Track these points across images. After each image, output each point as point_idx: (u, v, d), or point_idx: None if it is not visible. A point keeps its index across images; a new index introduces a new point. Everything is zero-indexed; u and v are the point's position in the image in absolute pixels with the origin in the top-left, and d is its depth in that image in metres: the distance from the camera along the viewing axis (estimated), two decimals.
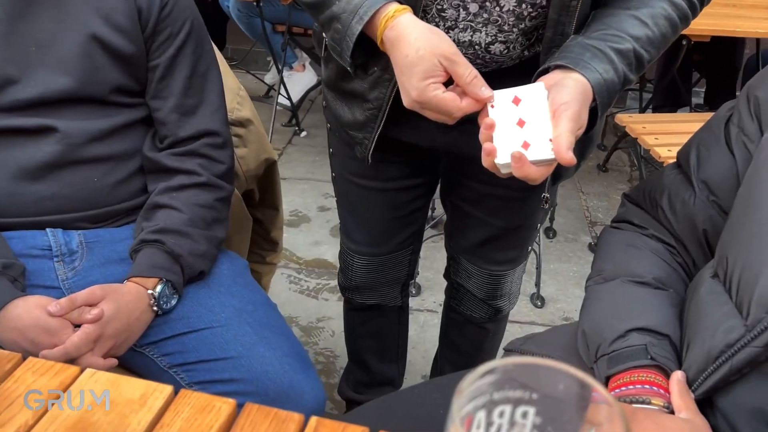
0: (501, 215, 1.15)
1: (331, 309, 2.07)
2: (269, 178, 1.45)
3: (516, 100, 0.79)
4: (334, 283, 2.18)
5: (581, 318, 0.89)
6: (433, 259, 2.26)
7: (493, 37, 0.89)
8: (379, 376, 1.45)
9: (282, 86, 2.99)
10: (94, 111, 1.04)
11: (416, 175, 1.16)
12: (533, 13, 0.87)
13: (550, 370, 0.32)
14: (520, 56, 0.93)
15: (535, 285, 2.17)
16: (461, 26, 0.89)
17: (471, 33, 0.89)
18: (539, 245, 2.16)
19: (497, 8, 0.86)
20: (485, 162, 0.79)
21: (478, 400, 0.32)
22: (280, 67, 2.95)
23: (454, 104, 0.79)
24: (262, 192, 1.46)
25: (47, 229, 1.02)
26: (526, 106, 0.79)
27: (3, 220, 1.00)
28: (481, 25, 0.88)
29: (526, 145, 0.77)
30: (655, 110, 2.88)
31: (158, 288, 0.97)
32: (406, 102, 0.82)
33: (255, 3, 2.53)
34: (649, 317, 0.81)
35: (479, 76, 0.79)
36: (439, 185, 1.24)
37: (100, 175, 1.05)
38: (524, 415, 0.34)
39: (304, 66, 3.26)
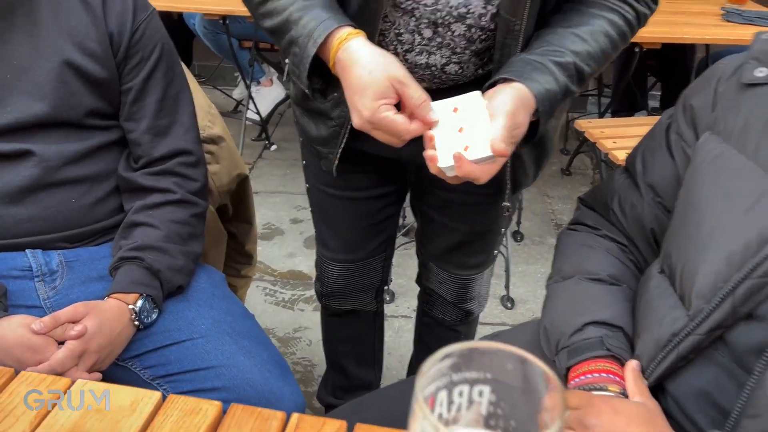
0: (466, 221, 1.21)
1: (308, 319, 2.11)
2: (242, 192, 1.49)
3: (455, 110, 0.85)
4: (309, 293, 2.22)
5: (543, 315, 0.95)
6: (405, 266, 2.31)
7: (447, 59, 0.95)
8: (357, 380, 1.50)
9: (251, 101, 3.02)
10: (70, 134, 1.07)
11: (385, 184, 1.22)
12: (482, 36, 0.93)
13: (499, 352, 0.38)
14: (474, 74, 0.99)
15: (505, 287, 2.24)
16: (417, 50, 0.95)
17: (427, 56, 0.95)
18: (507, 248, 2.23)
19: (449, 33, 0.92)
20: (432, 169, 0.85)
21: (440, 382, 0.38)
22: (248, 82, 2.98)
23: (404, 126, 0.83)
24: (236, 206, 1.50)
25: (27, 250, 1.05)
26: (465, 113, 0.85)
27: None
28: (435, 48, 0.94)
29: (466, 148, 0.83)
30: (614, 115, 2.99)
31: (138, 303, 1.00)
32: (356, 122, 0.85)
33: (222, 20, 2.57)
34: (604, 311, 0.88)
35: (428, 101, 0.84)
36: (408, 194, 1.30)
37: (77, 197, 1.08)
38: (480, 393, 0.39)
39: (271, 81, 3.30)
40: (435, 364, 0.36)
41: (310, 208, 1.30)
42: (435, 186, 1.18)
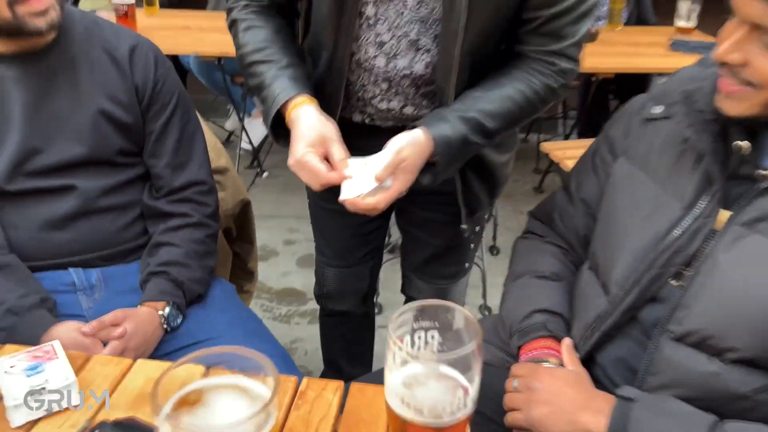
0: (439, 236, 1.42)
1: (303, 331, 2.30)
2: (245, 216, 1.70)
3: (365, 164, 1.07)
4: (304, 308, 2.42)
5: (500, 308, 1.17)
6: (393, 281, 2.51)
7: (404, 103, 1.18)
8: (351, 378, 1.69)
9: (244, 132, 3.24)
10: (104, 170, 1.28)
11: None
12: (428, 85, 1.15)
13: (441, 307, 0.59)
14: (428, 111, 1.20)
15: (482, 297, 2.46)
16: (378, 98, 1.18)
17: (387, 102, 1.18)
18: (483, 261, 2.45)
19: (400, 86, 1.15)
20: (348, 206, 1.06)
21: (404, 328, 0.59)
22: (241, 115, 3.20)
23: (323, 173, 1.05)
24: (239, 228, 1.71)
25: (70, 269, 1.25)
26: (372, 166, 1.06)
27: (34, 263, 1.22)
28: (392, 95, 1.17)
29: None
30: (580, 136, 3.24)
31: (166, 309, 1.20)
32: (289, 162, 1.08)
33: (217, 60, 2.80)
34: (547, 302, 1.09)
35: (346, 159, 1.06)
36: (393, 213, 1.51)
37: (110, 222, 1.29)
38: (432, 337, 0.60)
39: (261, 112, 3.51)
40: (401, 315, 0.58)
41: (310, 220, 1.51)
42: (414, 206, 1.40)
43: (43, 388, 0.79)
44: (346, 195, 1.05)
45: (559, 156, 2.38)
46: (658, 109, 1.02)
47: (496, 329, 1.17)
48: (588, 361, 1.02)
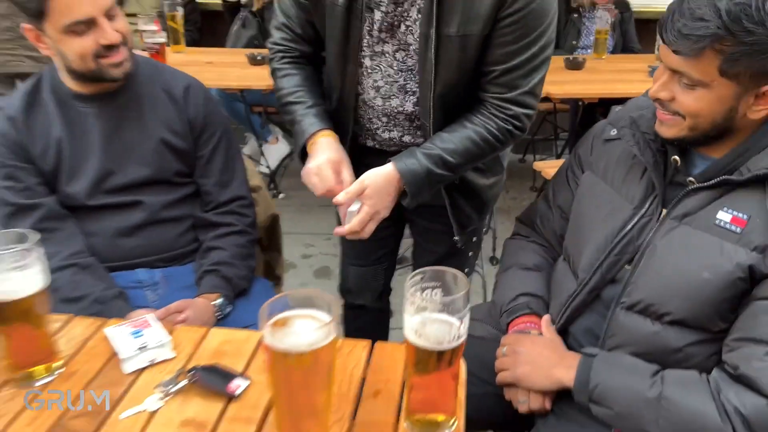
0: (440, 244, 1.67)
1: None
2: (274, 228, 1.96)
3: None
4: None
5: (493, 294, 1.42)
6: (401, 288, 2.77)
7: (402, 133, 1.44)
8: None
9: (262, 156, 3.52)
10: (164, 188, 1.54)
11: None
12: (420, 121, 1.41)
13: (442, 271, 0.85)
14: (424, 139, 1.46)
15: (483, 301, 2.71)
16: (381, 129, 1.45)
17: (388, 132, 1.45)
18: (482, 269, 2.70)
19: (397, 119, 1.42)
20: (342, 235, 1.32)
21: (417, 286, 0.85)
22: (259, 142, 3.49)
23: (330, 181, 1.29)
24: (269, 239, 1.96)
25: (137, 269, 1.51)
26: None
27: (109, 264, 1.48)
28: (392, 126, 1.44)
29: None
30: None
31: (218, 301, 1.46)
32: (307, 166, 1.33)
33: (240, 92, 3.09)
34: (530, 287, 1.35)
35: (350, 181, 1.30)
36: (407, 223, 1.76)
37: (169, 231, 1.55)
38: (435, 294, 0.86)
39: (277, 138, 3.81)
40: (414, 277, 0.84)
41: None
42: (419, 218, 1.66)
43: (145, 346, 1.05)
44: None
45: (550, 173, 2.64)
46: (613, 132, 1.29)
47: (489, 312, 1.44)
48: (562, 332, 1.28)
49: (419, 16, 1.26)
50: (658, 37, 1.08)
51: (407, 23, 1.29)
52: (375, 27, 1.31)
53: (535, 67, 1.27)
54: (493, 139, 1.32)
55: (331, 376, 0.83)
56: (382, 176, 1.30)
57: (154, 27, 2.90)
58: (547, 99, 3.24)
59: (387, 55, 1.35)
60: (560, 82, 2.91)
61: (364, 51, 1.35)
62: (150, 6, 3.45)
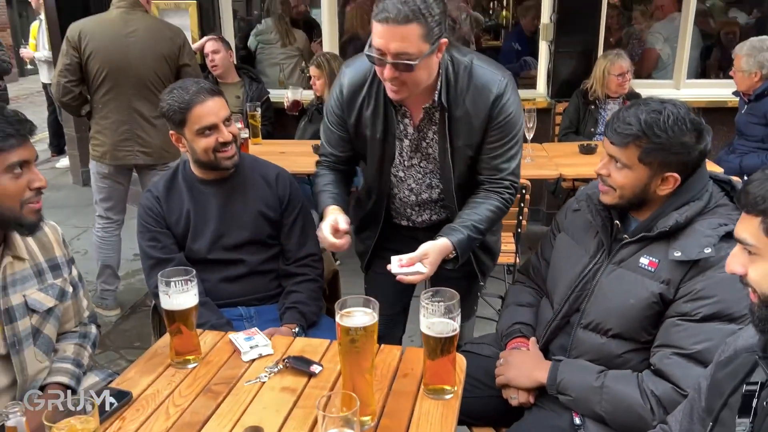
0: (456, 289, 2.17)
1: None
2: (334, 281, 2.52)
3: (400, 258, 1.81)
4: None
5: (497, 324, 1.93)
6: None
7: (430, 215, 2.00)
8: None
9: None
10: (260, 248, 2.13)
11: None
12: (443, 203, 1.97)
13: (444, 290, 1.38)
14: (446, 219, 1.99)
15: None
16: (414, 214, 2.00)
17: (419, 216, 2.00)
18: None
19: (427, 204, 1.97)
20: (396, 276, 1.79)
21: (429, 299, 1.38)
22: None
23: (328, 239, 1.75)
24: (331, 290, 2.52)
25: (238, 307, 2.08)
26: (405, 258, 1.77)
27: (218, 302, 2.06)
28: (423, 211, 1.99)
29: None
30: None
31: (296, 329, 2.00)
32: (319, 226, 1.85)
33: (307, 176, 3.74)
34: (522, 318, 1.85)
35: (347, 227, 1.76)
36: None
37: (261, 279, 2.12)
38: (440, 305, 1.39)
39: None
40: (426, 293, 1.37)
41: (365, 286, 2.29)
42: (440, 269, 2.18)
43: (256, 345, 1.60)
44: (393, 269, 1.79)
45: None
46: (576, 205, 1.81)
47: (495, 339, 1.93)
48: (545, 350, 1.76)
49: (435, 135, 1.84)
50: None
51: (427, 141, 1.87)
52: (405, 151, 1.89)
53: (511, 157, 1.84)
54: (500, 204, 1.87)
55: (373, 348, 1.35)
56: (439, 247, 1.76)
57: (239, 125, 3.61)
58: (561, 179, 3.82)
59: (415, 166, 1.92)
60: (574, 165, 3.44)
61: (398, 167, 1.93)
62: (233, 105, 4.20)
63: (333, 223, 1.78)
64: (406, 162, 1.91)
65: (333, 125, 1.94)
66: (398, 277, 1.72)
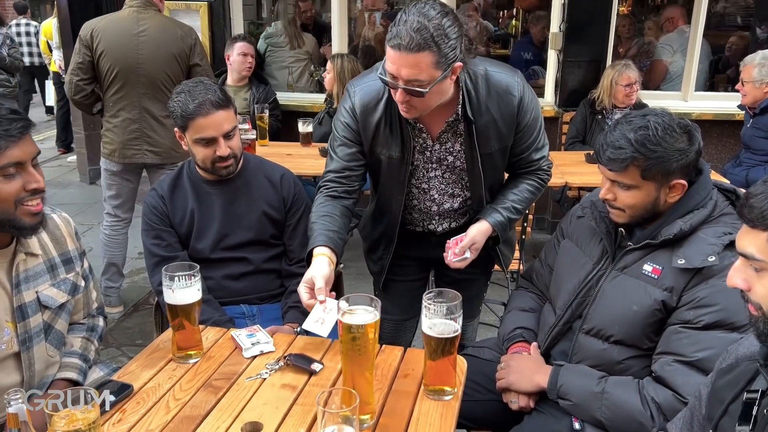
0: (465, 291, 2.17)
1: None
2: (338, 283, 2.51)
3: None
4: None
5: (499, 328, 1.92)
6: None
7: (449, 223, 2.02)
8: None
9: None
10: (263, 248, 2.14)
11: (417, 277, 2.22)
12: (463, 209, 1.99)
13: (446, 292, 1.38)
14: (462, 226, 2.01)
15: None
16: (435, 224, 2.02)
17: (439, 225, 2.02)
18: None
19: (448, 213, 2.00)
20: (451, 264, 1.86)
21: (432, 300, 1.38)
22: None
23: (304, 299, 1.63)
24: (335, 290, 2.51)
25: (241, 304, 2.09)
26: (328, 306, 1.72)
27: (221, 300, 2.07)
28: (443, 220, 2.01)
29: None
30: None
31: (297, 328, 2.00)
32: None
33: (312, 178, 3.75)
34: (524, 323, 1.85)
35: (321, 289, 1.62)
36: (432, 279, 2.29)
37: (264, 278, 2.13)
38: (442, 306, 1.40)
39: None
40: (428, 294, 1.38)
41: (374, 292, 2.28)
42: (446, 270, 2.18)
43: (258, 342, 1.60)
44: (451, 263, 1.86)
45: None
46: (580, 212, 1.81)
47: (496, 343, 1.93)
48: (546, 355, 1.76)
49: (462, 147, 1.85)
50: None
51: (453, 153, 1.88)
52: (426, 163, 1.90)
53: (542, 145, 1.92)
54: (538, 184, 1.98)
55: (374, 347, 1.35)
56: (483, 230, 1.88)
57: (247, 126, 3.63)
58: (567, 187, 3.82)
59: (438, 177, 1.94)
60: (580, 174, 3.45)
61: (421, 179, 1.94)
62: (241, 106, 4.22)
63: (308, 284, 1.68)
64: (428, 174, 1.94)
65: (346, 139, 1.88)
66: (453, 265, 1.87)
